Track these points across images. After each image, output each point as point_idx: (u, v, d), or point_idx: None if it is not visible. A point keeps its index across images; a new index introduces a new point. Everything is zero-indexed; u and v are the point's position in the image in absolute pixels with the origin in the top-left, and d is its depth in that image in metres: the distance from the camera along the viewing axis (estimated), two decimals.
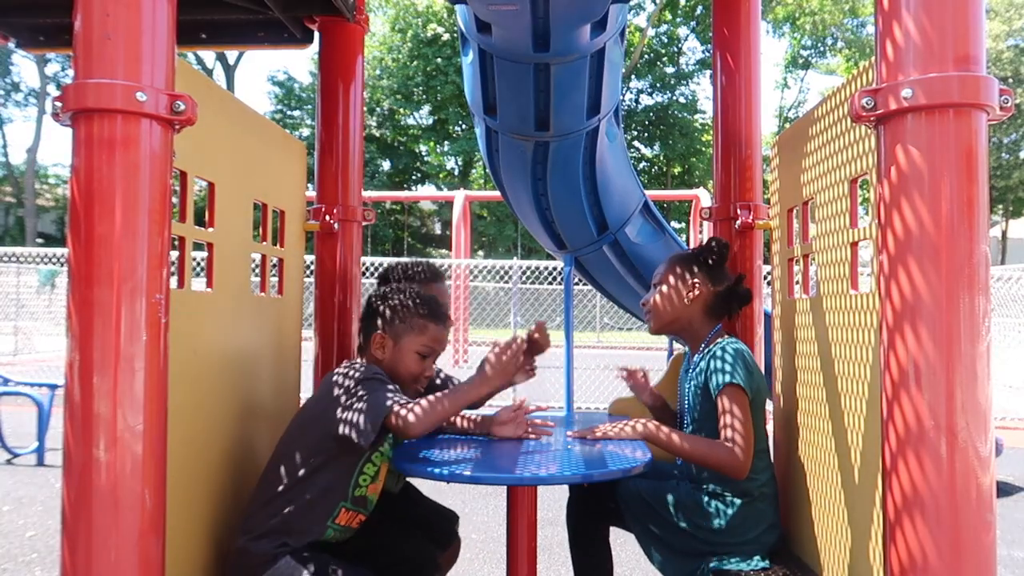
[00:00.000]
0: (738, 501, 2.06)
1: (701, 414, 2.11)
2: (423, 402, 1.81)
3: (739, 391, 2.00)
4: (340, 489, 1.90)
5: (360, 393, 1.83)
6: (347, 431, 1.80)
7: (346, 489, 1.91)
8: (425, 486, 2.47)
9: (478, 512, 4.67)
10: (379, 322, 2.04)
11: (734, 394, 1.99)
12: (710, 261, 2.22)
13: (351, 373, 1.89)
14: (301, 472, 1.86)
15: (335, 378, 1.91)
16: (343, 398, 1.84)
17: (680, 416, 2.27)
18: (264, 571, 1.79)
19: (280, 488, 1.86)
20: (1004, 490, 5.34)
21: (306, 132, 27.35)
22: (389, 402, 1.79)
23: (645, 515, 2.13)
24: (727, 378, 2.00)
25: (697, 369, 2.14)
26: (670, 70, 30.45)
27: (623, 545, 2.20)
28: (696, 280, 2.19)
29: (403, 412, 1.78)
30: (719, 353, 2.06)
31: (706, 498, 2.08)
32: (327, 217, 2.66)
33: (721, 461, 1.97)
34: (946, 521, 1.26)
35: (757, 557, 2.05)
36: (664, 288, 2.23)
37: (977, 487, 1.26)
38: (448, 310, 2.16)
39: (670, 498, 2.11)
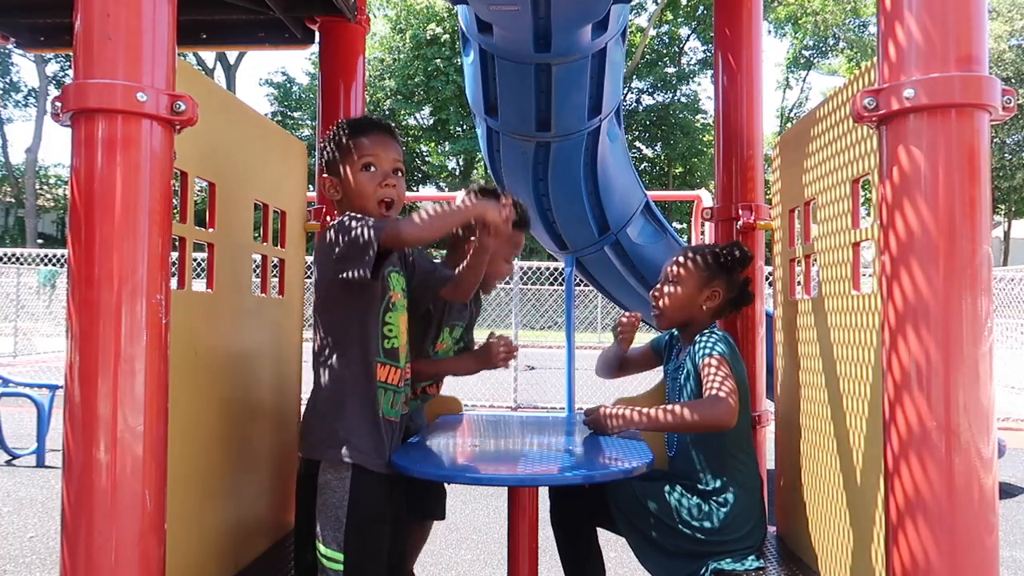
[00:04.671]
0: (731, 497, 2.05)
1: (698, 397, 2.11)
2: (406, 219, 1.76)
3: (722, 359, 2.03)
4: (371, 347, 1.84)
5: (342, 236, 1.77)
6: (347, 272, 1.74)
7: (376, 344, 1.86)
8: None
9: (479, 512, 4.66)
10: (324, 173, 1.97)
11: (719, 359, 2.03)
12: (733, 270, 2.25)
13: (329, 229, 1.83)
14: (333, 335, 1.83)
15: (323, 235, 1.85)
16: (329, 248, 1.79)
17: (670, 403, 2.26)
18: (324, 452, 1.78)
19: (325, 358, 1.83)
20: (1007, 492, 5.34)
21: (307, 132, 27.32)
22: (371, 227, 1.73)
23: (638, 516, 2.12)
24: (710, 350, 2.05)
25: (689, 356, 2.15)
26: (671, 70, 30.43)
27: (624, 546, 2.20)
28: (717, 288, 2.23)
29: (390, 226, 1.73)
30: (705, 336, 2.11)
31: (698, 500, 2.07)
32: (328, 218, 2.65)
33: (707, 411, 1.94)
34: (948, 523, 1.25)
35: (752, 557, 2.04)
36: (681, 289, 2.24)
37: (979, 488, 1.26)
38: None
39: (662, 499, 2.09)
